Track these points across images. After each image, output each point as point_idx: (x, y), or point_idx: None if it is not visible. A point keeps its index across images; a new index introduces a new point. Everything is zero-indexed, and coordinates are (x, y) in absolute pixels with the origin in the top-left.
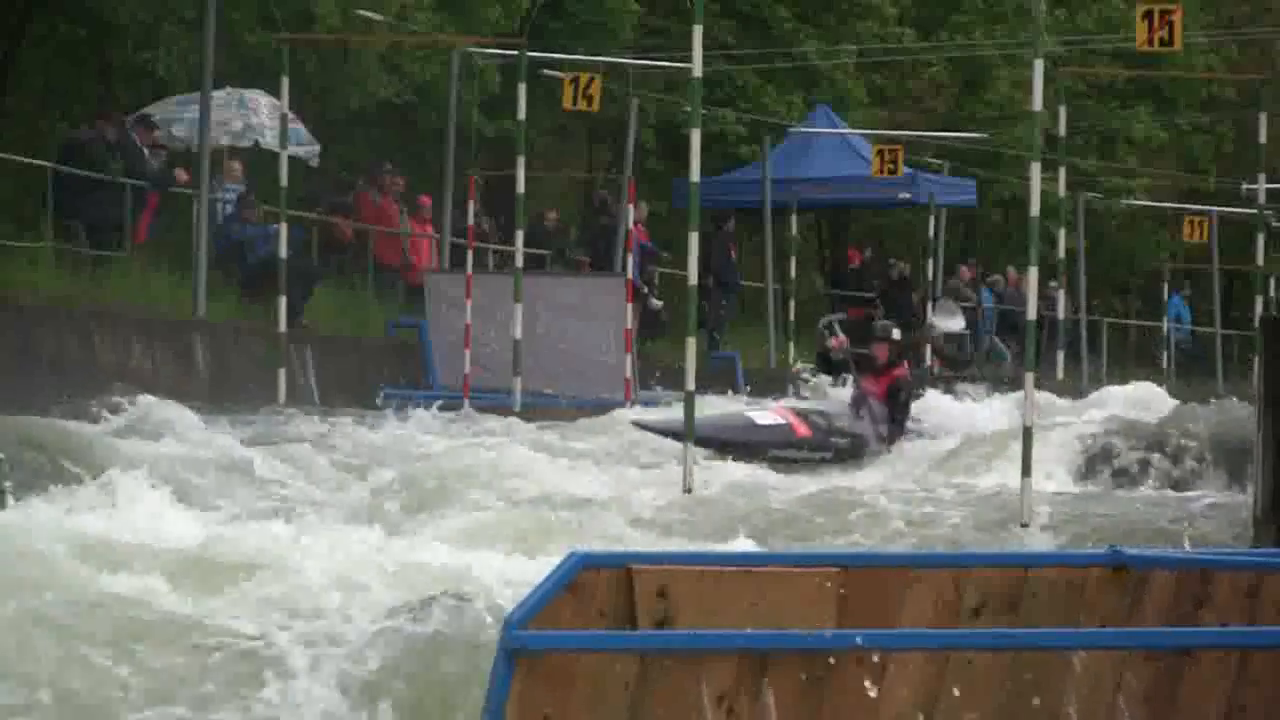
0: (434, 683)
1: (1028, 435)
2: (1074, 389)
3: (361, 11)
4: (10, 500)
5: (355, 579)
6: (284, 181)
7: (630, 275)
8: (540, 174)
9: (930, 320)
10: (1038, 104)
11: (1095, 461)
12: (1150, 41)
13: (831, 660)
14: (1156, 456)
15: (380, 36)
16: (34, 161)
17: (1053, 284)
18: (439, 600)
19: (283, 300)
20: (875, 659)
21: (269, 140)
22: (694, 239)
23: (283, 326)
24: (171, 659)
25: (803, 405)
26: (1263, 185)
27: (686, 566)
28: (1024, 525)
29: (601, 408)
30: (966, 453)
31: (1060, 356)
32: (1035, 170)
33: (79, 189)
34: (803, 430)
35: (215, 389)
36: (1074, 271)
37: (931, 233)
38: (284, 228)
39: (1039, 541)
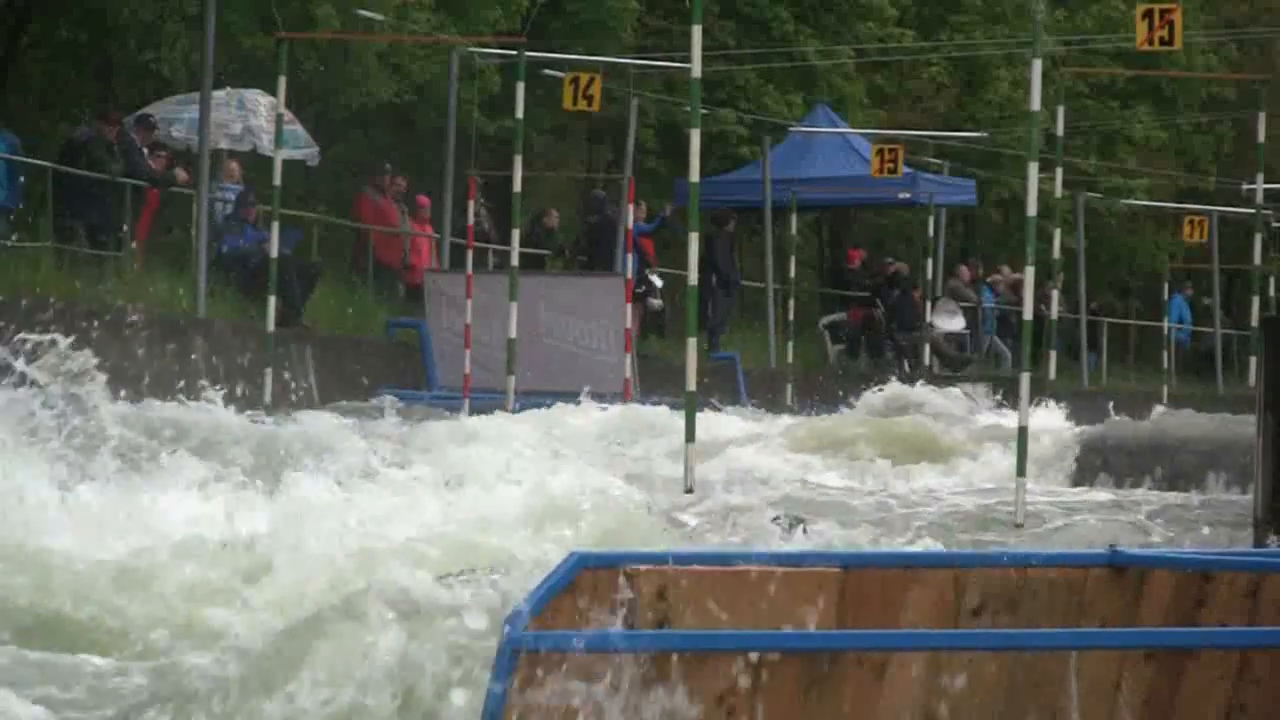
0: (433, 682)
1: (1023, 435)
2: (1071, 390)
3: (362, 11)
4: None
5: (350, 576)
6: (278, 180)
7: (629, 275)
8: (540, 174)
9: (930, 320)
10: (1036, 104)
11: (1094, 461)
12: (1150, 41)
13: (831, 660)
14: (1156, 456)
15: (380, 36)
16: (34, 161)
17: (1049, 284)
18: (437, 600)
19: (272, 300)
20: (875, 659)
21: (265, 144)
22: (694, 239)
23: (271, 326)
24: (157, 655)
25: None
26: (1260, 185)
27: (686, 567)
28: (1018, 525)
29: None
30: (965, 453)
31: (1053, 356)
32: (1032, 170)
33: (79, 189)
34: None
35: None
36: (1074, 271)
37: (931, 233)
38: (276, 227)
39: (1037, 542)
